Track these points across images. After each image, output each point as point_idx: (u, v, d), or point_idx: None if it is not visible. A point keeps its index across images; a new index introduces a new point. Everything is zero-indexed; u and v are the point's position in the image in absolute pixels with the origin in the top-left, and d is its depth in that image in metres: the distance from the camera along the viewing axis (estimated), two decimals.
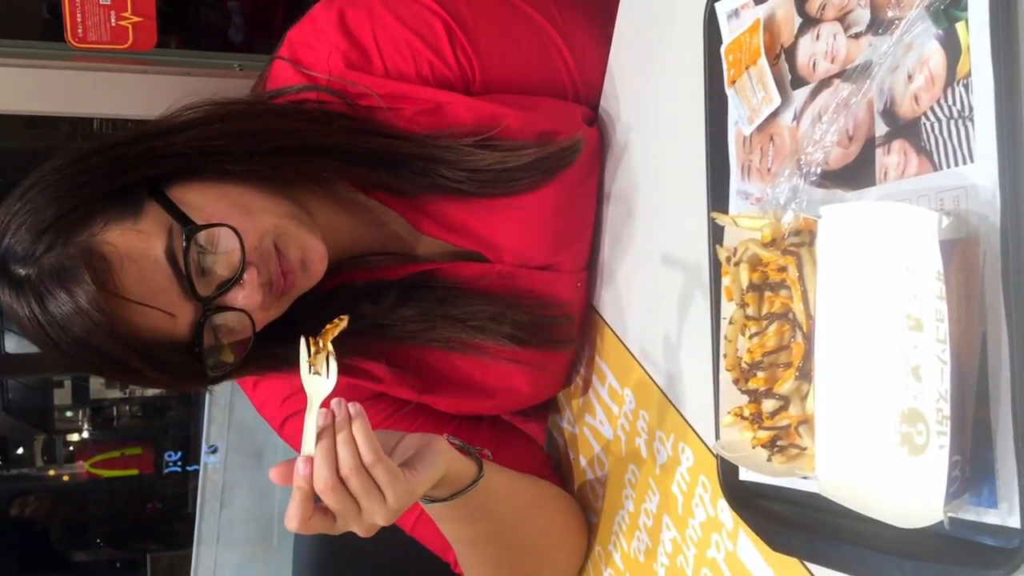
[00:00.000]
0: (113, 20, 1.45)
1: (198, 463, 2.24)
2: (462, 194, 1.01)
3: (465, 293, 1.03)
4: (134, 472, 6.15)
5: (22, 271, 0.84)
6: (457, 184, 0.99)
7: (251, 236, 0.88)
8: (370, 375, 1.04)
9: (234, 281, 0.87)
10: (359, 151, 0.97)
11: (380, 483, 0.79)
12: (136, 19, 1.46)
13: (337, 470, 0.77)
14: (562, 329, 1.08)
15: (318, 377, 0.80)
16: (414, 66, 1.01)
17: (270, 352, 0.93)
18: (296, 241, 0.91)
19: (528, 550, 1.05)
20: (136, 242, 0.85)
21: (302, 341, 0.82)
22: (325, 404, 0.80)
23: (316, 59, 1.02)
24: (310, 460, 0.77)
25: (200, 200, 0.88)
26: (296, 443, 0.98)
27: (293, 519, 0.79)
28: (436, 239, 1.05)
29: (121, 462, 6.12)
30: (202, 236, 0.86)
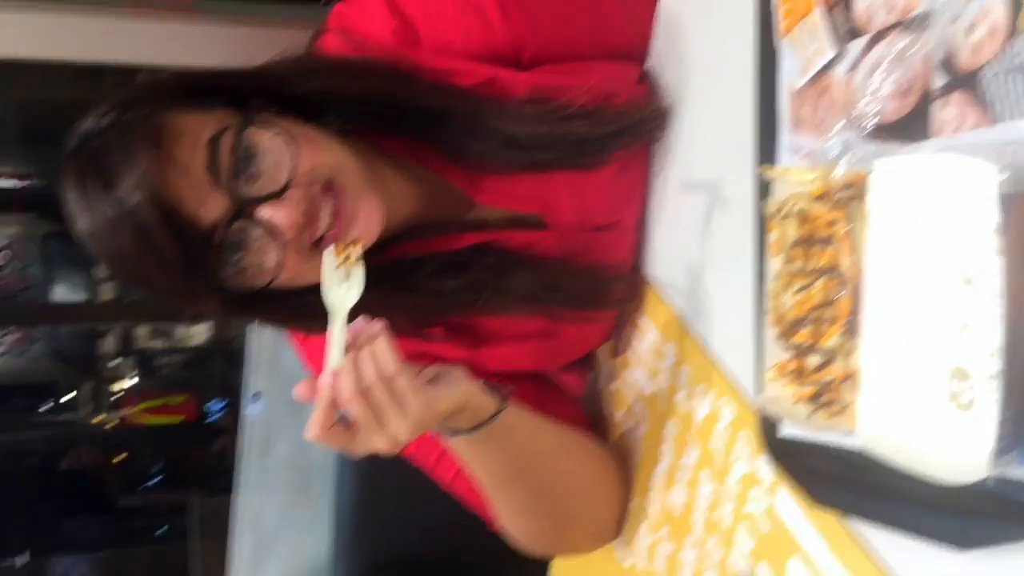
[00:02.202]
0: None
1: (240, 412, 2.28)
2: (536, 166, 1.00)
3: (520, 263, 1.02)
4: (178, 419, 6.28)
5: (87, 131, 0.86)
6: (533, 153, 0.98)
7: (307, 160, 0.87)
8: (425, 336, 1.04)
9: (274, 194, 0.85)
10: (434, 115, 0.97)
11: (401, 394, 0.81)
12: None
13: (360, 381, 0.80)
14: (615, 290, 1.08)
15: (342, 288, 0.82)
16: (464, 41, 1.00)
17: (303, 302, 0.90)
18: (356, 190, 0.90)
19: (560, 495, 1.04)
20: (195, 123, 0.85)
21: (328, 249, 0.83)
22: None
23: (366, 34, 1.01)
24: (334, 373, 0.80)
25: (273, 123, 0.88)
26: None
27: (313, 427, 0.80)
28: (492, 207, 1.05)
29: (166, 410, 6.25)
30: (256, 140, 0.86)
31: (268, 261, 0.87)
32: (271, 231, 0.86)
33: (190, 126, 0.86)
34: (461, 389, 0.87)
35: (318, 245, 0.88)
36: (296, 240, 0.87)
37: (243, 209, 0.85)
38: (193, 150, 0.84)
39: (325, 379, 0.80)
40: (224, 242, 0.85)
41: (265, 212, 0.86)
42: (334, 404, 0.80)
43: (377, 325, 0.82)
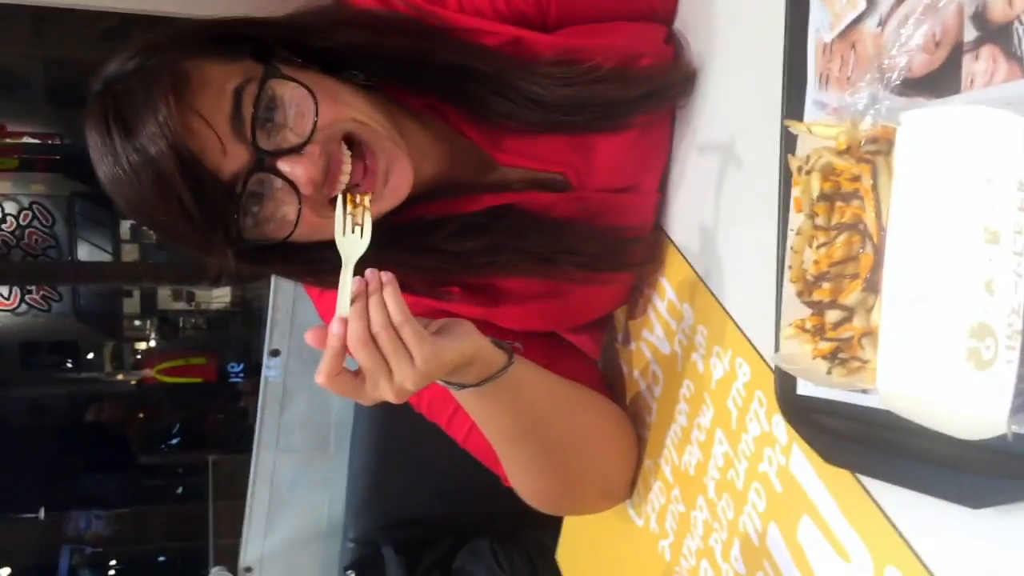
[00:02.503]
0: None
1: (259, 376, 2.30)
2: (560, 128, 0.99)
3: (539, 225, 1.02)
4: (198, 380, 6.35)
5: (111, 75, 0.86)
6: (560, 115, 0.98)
7: (329, 116, 0.87)
8: (442, 295, 1.05)
9: (295, 148, 0.86)
10: (461, 65, 0.96)
11: (408, 342, 0.82)
12: None
13: (368, 328, 0.81)
14: (634, 253, 1.07)
15: (353, 237, 0.83)
16: (489, 1, 1.00)
17: (319, 256, 0.91)
18: (387, 148, 0.90)
19: (570, 453, 1.05)
20: (219, 73, 0.86)
21: (339, 197, 0.84)
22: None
23: None
24: (344, 320, 0.81)
25: (297, 76, 0.88)
26: None
27: (321, 372, 0.82)
28: (514, 167, 1.04)
29: (186, 370, 6.32)
30: (280, 92, 0.86)
31: (286, 215, 0.88)
32: (290, 185, 0.86)
33: (214, 75, 0.86)
34: (469, 342, 0.88)
35: (336, 201, 0.88)
36: (314, 195, 0.87)
37: (263, 161, 0.85)
38: (216, 100, 0.85)
39: (334, 326, 0.81)
40: (243, 193, 0.85)
41: (285, 166, 0.86)
42: (342, 351, 0.81)
43: (387, 275, 0.82)
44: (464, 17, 0.99)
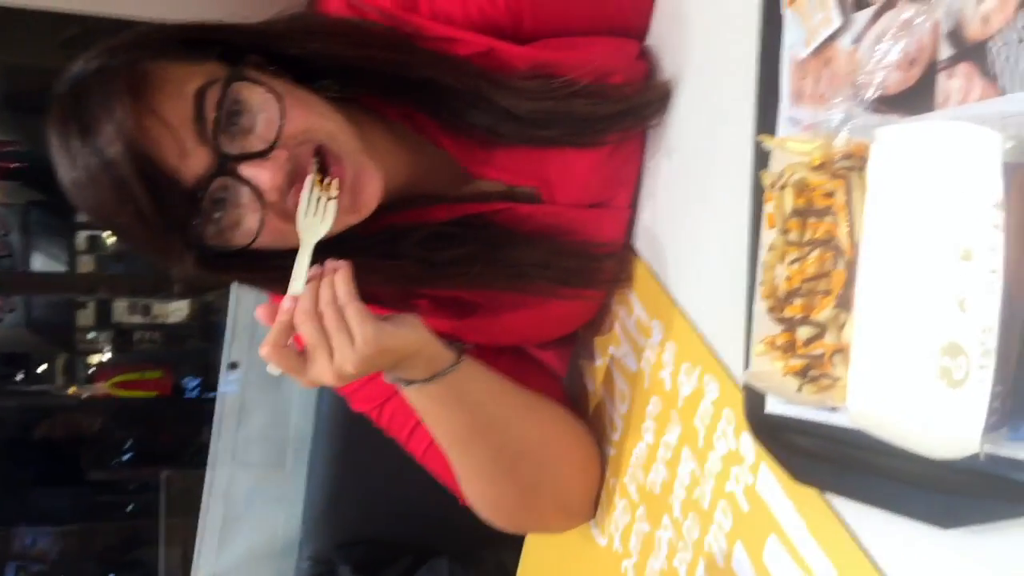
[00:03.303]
0: None
1: (216, 391, 2.25)
2: (535, 142, 0.99)
3: (511, 238, 1.01)
4: (153, 394, 6.23)
5: (73, 76, 0.85)
6: (535, 129, 0.98)
7: (296, 123, 0.86)
8: (409, 308, 1.03)
9: (259, 153, 0.84)
10: (434, 77, 0.96)
11: (350, 322, 0.84)
12: None
13: (314, 305, 0.83)
14: (606, 269, 1.07)
15: (314, 220, 0.86)
16: (463, 11, 0.99)
17: (283, 264, 0.89)
18: (354, 159, 0.89)
19: (523, 460, 1.03)
20: (182, 74, 0.84)
21: (308, 179, 0.85)
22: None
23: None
24: (295, 299, 0.84)
25: (265, 81, 0.86)
26: None
27: (267, 343, 0.84)
28: (487, 180, 1.04)
29: (140, 384, 6.20)
30: (245, 96, 0.84)
31: (249, 221, 0.86)
32: (253, 191, 0.84)
33: (176, 76, 0.84)
34: (414, 333, 0.89)
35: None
36: (279, 202, 0.86)
37: (225, 166, 0.83)
38: (177, 100, 0.83)
39: (285, 302, 0.84)
40: (203, 199, 0.83)
41: (248, 170, 0.84)
42: (290, 325, 0.84)
43: (341, 262, 0.85)
44: (436, 25, 0.98)
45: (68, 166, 0.83)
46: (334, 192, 0.86)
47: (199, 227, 0.85)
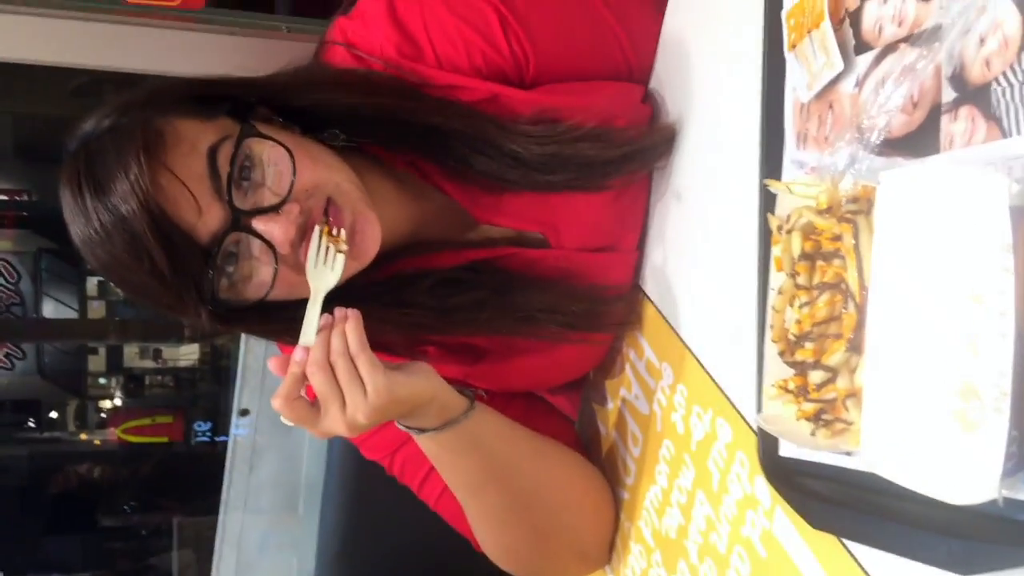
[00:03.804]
0: None
1: (227, 434, 2.25)
2: (541, 186, 0.99)
3: (520, 283, 1.01)
4: (164, 440, 6.22)
5: (86, 133, 0.86)
6: (541, 175, 0.98)
7: (307, 178, 0.87)
8: (418, 356, 1.03)
9: (272, 208, 0.85)
10: (439, 126, 0.96)
11: (362, 373, 0.83)
12: None
13: (326, 355, 0.83)
14: (614, 312, 1.06)
15: (324, 269, 0.86)
16: (467, 57, 0.99)
17: (295, 315, 0.90)
18: (354, 207, 0.90)
19: (537, 506, 1.02)
20: (194, 131, 0.85)
21: (316, 229, 0.86)
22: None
23: (370, 49, 1.00)
24: (306, 349, 0.84)
25: (274, 135, 0.87)
26: None
27: (279, 395, 0.83)
28: (494, 225, 1.04)
29: (152, 429, 6.20)
30: (257, 152, 0.85)
31: (263, 274, 0.87)
32: (266, 245, 0.85)
33: (189, 133, 0.85)
34: (426, 382, 0.89)
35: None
36: (292, 254, 0.87)
37: (239, 221, 0.84)
38: (190, 158, 0.84)
39: (297, 353, 0.84)
40: (218, 253, 0.84)
41: (261, 224, 0.85)
42: (302, 377, 0.83)
43: (352, 311, 0.85)
44: (442, 73, 0.99)
45: (82, 224, 0.84)
46: (344, 245, 0.86)
47: (213, 282, 0.85)
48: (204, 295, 0.85)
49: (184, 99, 0.88)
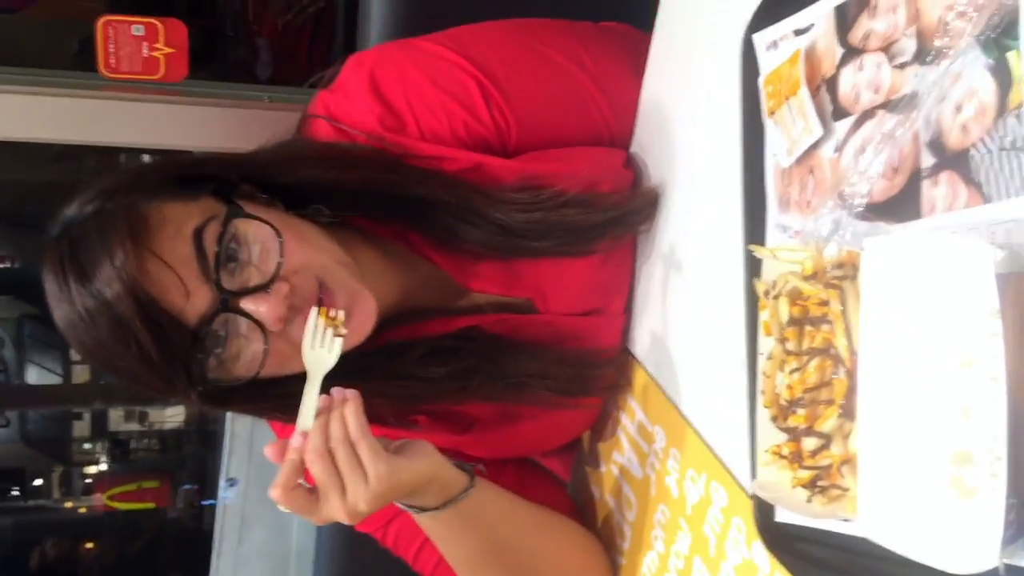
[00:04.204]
0: (145, 51, 1.46)
1: (214, 498, 2.22)
2: (527, 253, 0.99)
3: (510, 349, 1.01)
4: (151, 505, 6.13)
5: (69, 219, 0.85)
6: (526, 241, 0.98)
7: (295, 257, 0.86)
8: (409, 425, 1.02)
9: (260, 287, 0.84)
10: (423, 198, 0.96)
11: (363, 459, 0.81)
12: (168, 50, 1.47)
13: (325, 442, 0.81)
14: (604, 376, 1.06)
15: (321, 352, 0.84)
16: (449, 128, 1.00)
17: (287, 391, 0.89)
18: (347, 287, 0.89)
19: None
20: (178, 214, 0.85)
21: (312, 312, 0.84)
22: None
23: (352, 122, 1.01)
24: (304, 435, 0.81)
25: (259, 214, 0.87)
26: None
27: (277, 486, 0.81)
28: (482, 293, 1.04)
29: (138, 495, 6.10)
30: (243, 232, 0.85)
31: (253, 353, 0.86)
32: (256, 324, 0.85)
33: (174, 215, 0.85)
34: (426, 462, 0.87)
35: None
36: (283, 333, 0.86)
37: (227, 302, 0.84)
38: (176, 241, 0.84)
39: (295, 439, 0.81)
40: (207, 336, 0.84)
41: (250, 304, 0.84)
42: (300, 465, 0.81)
43: (351, 392, 0.83)
44: (425, 145, 0.99)
45: (67, 309, 0.84)
46: (343, 329, 0.85)
47: (203, 364, 0.84)
48: (193, 378, 0.84)
49: (168, 181, 0.88)
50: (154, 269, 0.82)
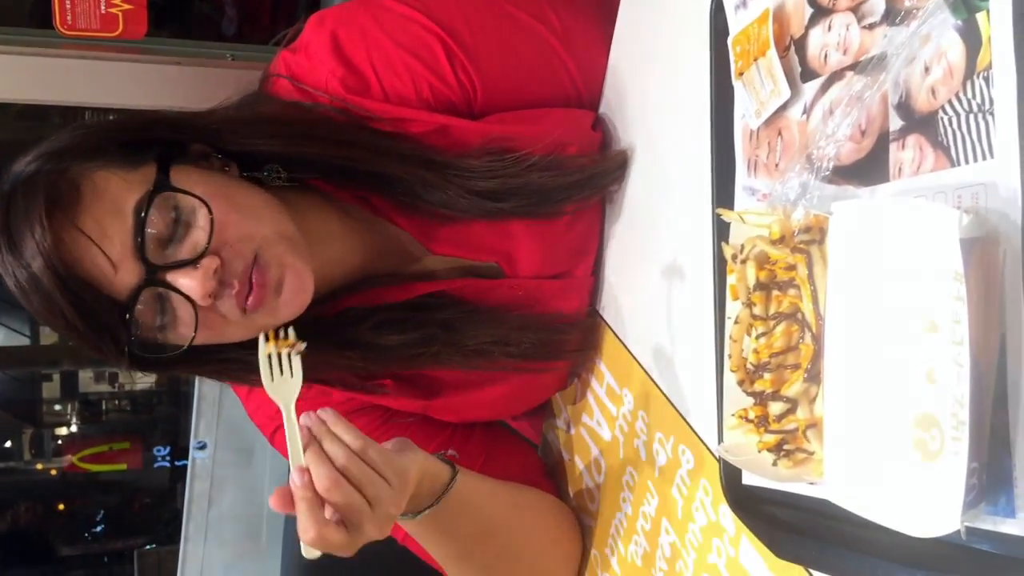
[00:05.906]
0: (103, 7, 1.42)
1: (187, 459, 2.21)
2: (492, 215, 0.98)
3: (472, 315, 1.00)
4: (122, 467, 6.11)
5: (12, 178, 0.84)
6: (492, 203, 0.96)
7: (230, 231, 0.84)
8: (375, 389, 1.01)
9: (189, 262, 0.82)
10: (385, 167, 0.95)
11: (376, 464, 0.79)
12: (126, 6, 1.42)
13: (333, 467, 0.77)
14: (569, 341, 1.05)
15: (282, 379, 0.81)
16: (414, 89, 0.98)
17: (227, 356, 0.88)
18: (280, 260, 0.86)
19: (519, 558, 1.02)
20: (113, 186, 0.83)
21: (260, 342, 0.82)
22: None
23: (314, 83, 0.98)
24: (303, 469, 0.77)
25: (200, 183, 0.85)
26: (286, 451, 0.94)
27: (308, 530, 0.76)
28: (447, 256, 1.02)
29: (109, 456, 6.08)
30: (173, 204, 0.83)
31: (183, 327, 0.84)
32: (185, 298, 0.83)
33: (110, 186, 0.83)
34: (418, 455, 0.86)
35: (243, 310, 0.85)
36: (214, 307, 0.84)
37: (155, 276, 0.82)
38: (108, 214, 0.82)
39: (296, 477, 0.77)
40: (135, 310, 0.83)
41: (178, 279, 0.83)
42: (316, 499, 0.77)
43: (325, 412, 0.80)
44: (389, 107, 0.97)
45: (5, 275, 0.84)
46: (301, 345, 0.83)
47: (132, 334, 0.84)
48: (122, 347, 0.84)
49: (110, 145, 0.86)
50: (75, 241, 0.81)
